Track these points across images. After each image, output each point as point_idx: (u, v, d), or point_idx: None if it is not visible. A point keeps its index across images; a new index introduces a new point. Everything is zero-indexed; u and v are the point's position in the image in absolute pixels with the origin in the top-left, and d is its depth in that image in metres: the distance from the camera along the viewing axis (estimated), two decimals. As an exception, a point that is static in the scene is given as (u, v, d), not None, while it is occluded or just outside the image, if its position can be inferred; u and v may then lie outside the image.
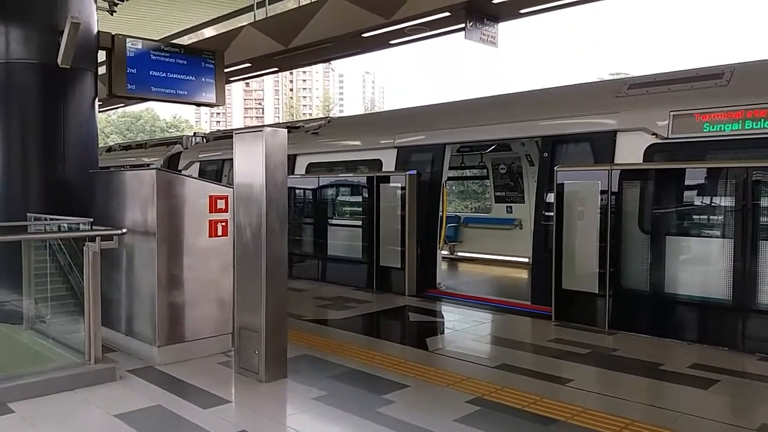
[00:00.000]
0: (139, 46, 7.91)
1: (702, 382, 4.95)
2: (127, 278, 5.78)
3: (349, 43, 11.08)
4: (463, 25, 9.02)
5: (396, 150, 9.83)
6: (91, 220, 5.81)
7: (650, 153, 6.96)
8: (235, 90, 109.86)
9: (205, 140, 15.30)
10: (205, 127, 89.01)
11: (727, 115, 6.45)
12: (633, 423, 4.05)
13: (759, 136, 6.22)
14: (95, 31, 7.34)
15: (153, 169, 5.59)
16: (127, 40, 7.80)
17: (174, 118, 74.44)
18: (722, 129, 6.46)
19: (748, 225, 5.90)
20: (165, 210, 5.38)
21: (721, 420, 4.23)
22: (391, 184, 9.11)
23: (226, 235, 5.64)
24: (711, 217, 6.54)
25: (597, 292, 6.78)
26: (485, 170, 13.04)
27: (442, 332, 7.34)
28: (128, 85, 7.85)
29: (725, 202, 6.23)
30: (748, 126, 6.29)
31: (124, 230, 5.17)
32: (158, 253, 5.33)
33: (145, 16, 15.48)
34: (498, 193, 12.96)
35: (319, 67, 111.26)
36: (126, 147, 19.42)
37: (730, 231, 6.05)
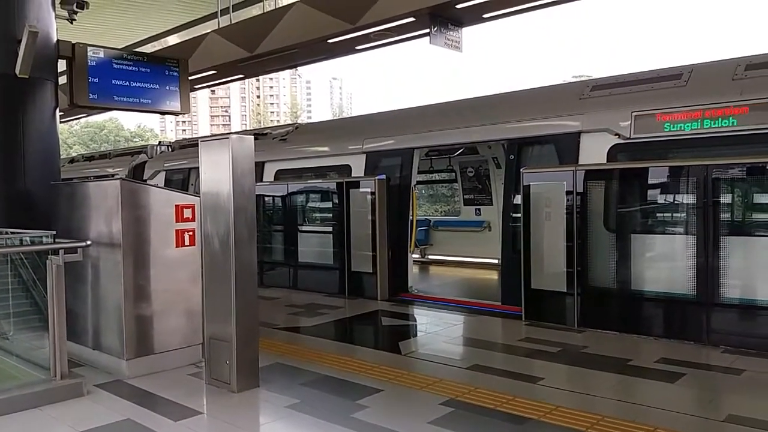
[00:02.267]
0: (101, 55, 7.77)
1: (669, 376, 5.05)
2: (93, 291, 5.66)
3: (315, 49, 11.04)
4: (427, 31, 9.07)
5: (365, 155, 9.84)
6: (54, 232, 5.68)
7: (613, 153, 7.09)
8: (201, 98, 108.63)
9: (170, 149, 15.11)
10: (171, 136, 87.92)
11: (686, 115, 6.61)
12: (604, 419, 4.12)
13: (717, 135, 6.39)
14: (55, 39, 7.18)
15: (117, 179, 5.49)
16: (89, 48, 7.65)
17: (139, 127, 73.41)
18: (682, 128, 6.62)
19: (709, 221, 6.05)
20: (130, 221, 5.29)
21: (689, 412, 4.31)
22: (360, 190, 9.11)
23: (194, 245, 5.57)
24: (674, 214, 6.70)
25: (565, 291, 6.88)
26: (453, 174, 13.14)
27: (415, 335, 7.36)
28: (90, 94, 7.69)
29: (687, 199, 6.39)
30: (707, 125, 6.46)
31: (89, 242, 5.07)
32: (124, 265, 5.24)
33: (107, 25, 15.23)
34: (467, 196, 13.07)
35: (285, 74, 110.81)
36: (89, 158, 19.06)
37: (693, 228, 6.20)
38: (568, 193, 6.89)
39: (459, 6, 8.64)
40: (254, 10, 13.72)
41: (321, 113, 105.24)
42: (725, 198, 6.21)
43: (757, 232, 6.22)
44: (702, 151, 6.52)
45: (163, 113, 8.79)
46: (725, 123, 6.36)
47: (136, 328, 5.32)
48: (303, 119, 77.54)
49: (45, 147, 6.99)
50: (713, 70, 7.10)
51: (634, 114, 6.95)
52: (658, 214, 6.92)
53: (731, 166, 6.16)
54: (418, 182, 10.02)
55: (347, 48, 10.84)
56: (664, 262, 6.62)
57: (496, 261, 10.59)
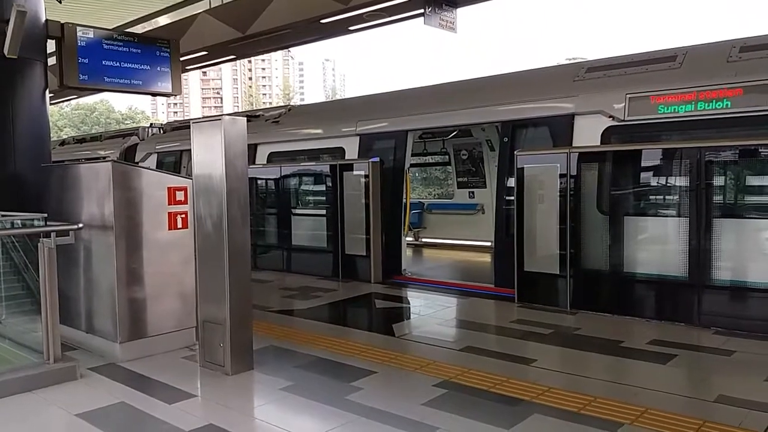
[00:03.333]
0: (91, 35, 7.66)
1: (661, 357, 5.09)
2: (86, 274, 5.64)
3: (308, 30, 10.95)
4: (422, 11, 9.00)
5: (358, 138, 9.79)
6: (46, 215, 5.63)
7: (607, 135, 7.08)
8: (192, 79, 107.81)
9: (162, 131, 14.98)
10: (162, 118, 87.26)
11: (680, 97, 6.60)
12: (596, 399, 4.15)
13: (711, 117, 6.39)
14: (43, 19, 7.08)
15: (108, 161, 5.44)
16: (78, 29, 7.54)
17: (130, 109, 72.78)
18: (676, 110, 6.61)
19: (702, 204, 6.07)
20: (122, 203, 5.26)
21: (681, 393, 4.36)
22: (354, 172, 9.08)
23: (187, 228, 5.54)
24: (667, 197, 6.71)
25: (558, 273, 6.91)
26: (447, 156, 13.11)
27: (408, 318, 7.38)
28: (80, 75, 7.59)
29: (680, 182, 6.40)
30: (701, 107, 6.45)
31: (80, 225, 5.03)
32: (116, 248, 5.21)
33: (97, 5, 15.00)
34: (460, 179, 13.05)
35: (278, 55, 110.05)
36: (80, 140, 18.90)
37: (685, 210, 6.22)
38: (561, 175, 6.89)
39: (453, -15, 8.57)
40: (247, -10, 13.56)
41: (314, 95, 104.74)
42: (718, 180, 6.23)
43: (749, 214, 6.26)
44: (696, 134, 6.52)
45: (154, 95, 8.71)
46: (719, 105, 6.35)
47: (129, 312, 5.31)
48: (296, 101, 77.06)
49: (35, 129, 6.93)
50: (708, 52, 7.08)
51: (628, 96, 6.93)
52: (651, 197, 6.93)
53: (724, 148, 6.17)
54: (412, 165, 9.99)
55: (340, 28, 10.76)
56: (657, 245, 6.65)
57: (489, 244, 10.62)
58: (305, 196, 10.76)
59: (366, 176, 8.86)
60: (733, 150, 6.17)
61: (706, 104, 6.42)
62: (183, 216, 5.56)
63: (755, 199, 6.51)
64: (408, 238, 10.81)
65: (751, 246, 6.03)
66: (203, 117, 16.98)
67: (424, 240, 13.37)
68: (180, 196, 5.56)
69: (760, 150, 6.11)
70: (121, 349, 5.26)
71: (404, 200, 9.21)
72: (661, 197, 6.81)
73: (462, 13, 9.54)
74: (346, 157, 9.79)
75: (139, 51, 8.07)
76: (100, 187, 5.36)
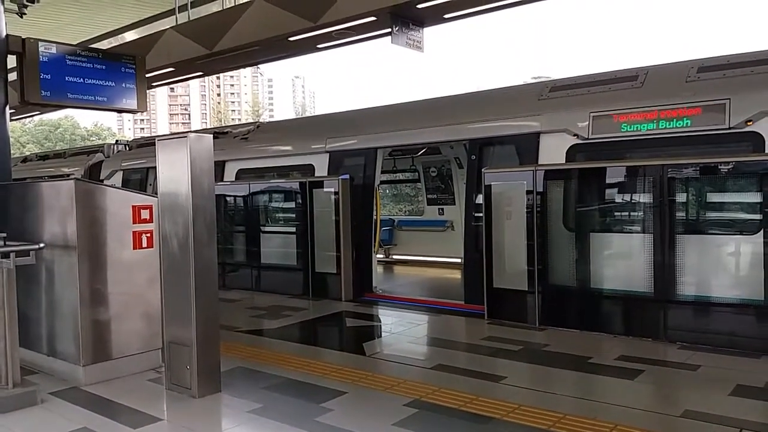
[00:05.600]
0: (54, 51, 7.52)
1: (628, 372, 5.15)
2: (48, 295, 5.48)
3: (276, 47, 10.91)
4: (389, 30, 9.05)
5: (328, 155, 9.77)
6: (5, 235, 5.47)
7: (572, 153, 7.20)
8: (160, 95, 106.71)
9: (128, 148, 14.76)
10: (129, 135, 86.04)
11: (642, 116, 6.75)
12: (565, 417, 4.17)
13: (672, 135, 6.55)
14: (4, 34, 6.94)
15: (71, 179, 5.33)
16: (40, 44, 7.40)
17: (95, 125, 71.51)
18: (638, 129, 6.76)
19: (665, 220, 6.19)
20: (85, 222, 5.14)
21: (648, 409, 4.41)
22: (324, 189, 9.05)
23: (152, 247, 5.43)
24: (631, 213, 6.84)
25: (527, 289, 6.96)
26: (417, 173, 13.17)
27: (379, 336, 7.34)
28: (42, 91, 7.44)
29: (644, 198, 6.53)
30: (663, 125, 6.61)
31: (42, 245, 4.90)
32: (80, 268, 5.09)
33: (60, 20, 14.81)
34: (430, 196, 13.12)
35: (247, 72, 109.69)
36: (43, 157, 18.46)
37: (650, 226, 6.33)
38: (528, 192, 6.97)
39: (420, 6, 8.65)
40: (213, 7, 13.51)
41: (283, 112, 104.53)
42: (680, 197, 6.37)
43: (711, 230, 6.40)
44: (658, 151, 6.67)
45: (119, 111, 8.57)
46: (680, 124, 6.52)
47: (92, 333, 5.17)
48: (265, 118, 76.80)
49: (-6, 146, 6.75)
50: (668, 72, 7.27)
51: (592, 115, 7.06)
52: (615, 213, 7.06)
53: (686, 166, 6.31)
54: (382, 182, 10.01)
55: (308, 46, 10.74)
56: (622, 261, 6.76)
57: (459, 260, 10.66)
58: (275, 214, 10.68)
59: (336, 193, 8.83)
60: (694, 167, 6.32)
61: (668, 123, 6.58)
62: (148, 235, 5.46)
63: (717, 215, 6.68)
64: (379, 255, 10.79)
65: (714, 261, 6.17)
66: (169, 134, 16.75)
67: (394, 257, 13.37)
68: (145, 214, 5.45)
69: (719, 167, 6.28)
70: (85, 372, 5.11)
71: (375, 217, 9.20)
72: (626, 214, 6.93)
73: (429, 32, 9.63)
74: (316, 174, 9.76)
75: (103, 67, 7.96)
76: (63, 205, 5.24)
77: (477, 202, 7.79)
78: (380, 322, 8.00)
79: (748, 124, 6.16)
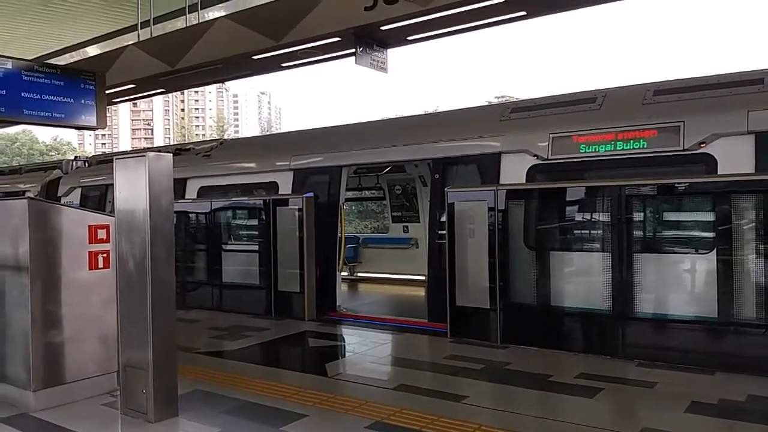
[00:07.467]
0: (9, 66, 7.37)
1: (588, 391, 5.20)
2: (-3, 318, 5.30)
3: (239, 65, 10.90)
4: (353, 51, 9.13)
5: (292, 172, 9.74)
6: (-47, 255, 5.30)
7: (532, 173, 7.32)
8: (122, 110, 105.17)
9: (87, 164, 14.45)
10: (90, 150, 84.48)
11: (600, 137, 6.92)
12: (525, 436, 4.18)
13: (630, 156, 6.72)
14: (-43, 49, 6.77)
15: (25, 198, 5.18)
16: (-5, 59, 7.26)
17: (55, 140, 70.02)
18: (597, 150, 6.92)
19: (623, 239, 6.32)
20: (39, 243, 4.99)
21: (608, 427, 4.45)
22: (288, 207, 8.99)
23: (108, 267, 5.31)
24: (590, 232, 6.97)
25: (488, 307, 7.00)
26: (382, 191, 13.21)
27: (342, 356, 7.29)
28: (-3, 107, 7.29)
29: (602, 218, 6.67)
30: (620, 147, 6.78)
31: (-9, 266, 4.75)
32: (32, 289, 4.93)
33: (17, 33, 14.48)
34: (395, 213, 13.16)
35: (212, 87, 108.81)
36: (-2, 173, 17.98)
37: (608, 245, 6.46)
38: (490, 210, 7.05)
39: (384, 28, 8.75)
40: (178, 23, 13.40)
41: (249, 128, 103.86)
42: (638, 216, 6.53)
43: (667, 248, 6.56)
44: (616, 172, 6.83)
45: (78, 128, 8.43)
46: (636, 145, 6.69)
47: (44, 357, 5.00)
48: (230, 133, 76.20)
49: (-56, 163, 6.54)
50: (624, 95, 7.47)
51: (552, 136, 7.20)
52: (575, 232, 7.18)
53: (642, 186, 6.48)
54: (347, 199, 10.00)
55: (272, 65, 10.76)
56: (581, 278, 6.87)
57: (423, 278, 10.68)
58: (237, 231, 10.55)
59: (300, 211, 8.79)
60: (651, 188, 6.49)
61: (625, 144, 6.75)
62: (105, 255, 5.33)
63: (673, 233, 6.86)
64: (343, 273, 10.75)
65: (669, 279, 6.31)
66: (127, 152, 16.49)
67: (359, 274, 13.33)
68: (102, 234, 5.33)
69: (674, 188, 6.47)
70: (35, 397, 4.93)
71: (339, 235, 9.17)
72: (585, 233, 7.07)
73: (393, 52, 9.75)
74: (280, 192, 9.70)
75: (62, 83, 7.82)
76: (15, 225, 5.08)
77: (441, 220, 7.85)
78: (344, 342, 7.94)
79: (702, 146, 6.36)
